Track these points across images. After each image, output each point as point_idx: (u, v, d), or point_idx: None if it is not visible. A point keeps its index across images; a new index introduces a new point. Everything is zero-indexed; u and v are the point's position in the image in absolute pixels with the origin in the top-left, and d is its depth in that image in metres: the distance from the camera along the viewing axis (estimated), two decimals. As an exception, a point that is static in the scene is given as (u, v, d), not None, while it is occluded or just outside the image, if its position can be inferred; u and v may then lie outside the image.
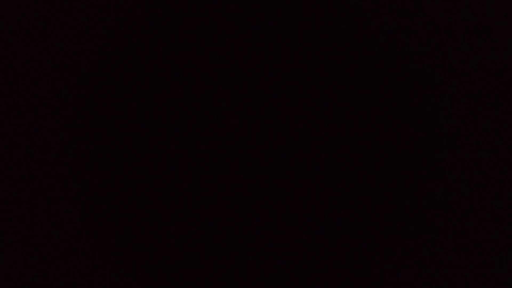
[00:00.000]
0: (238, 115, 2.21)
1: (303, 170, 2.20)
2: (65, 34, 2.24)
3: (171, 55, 2.23)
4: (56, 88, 2.23)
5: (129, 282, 2.18)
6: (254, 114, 2.21)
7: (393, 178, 2.19)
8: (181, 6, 2.24)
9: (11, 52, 2.23)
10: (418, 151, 2.20)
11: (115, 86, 2.23)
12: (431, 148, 2.20)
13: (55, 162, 2.21)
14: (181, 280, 2.18)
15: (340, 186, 2.19)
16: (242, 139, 2.20)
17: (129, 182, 2.20)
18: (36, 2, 2.24)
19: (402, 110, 2.21)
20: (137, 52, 2.23)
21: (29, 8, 2.24)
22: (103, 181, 2.20)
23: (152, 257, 2.18)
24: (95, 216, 2.19)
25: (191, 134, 2.21)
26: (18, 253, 2.19)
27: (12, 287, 2.17)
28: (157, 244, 2.18)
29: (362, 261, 2.18)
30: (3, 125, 2.21)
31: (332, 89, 2.21)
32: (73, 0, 2.24)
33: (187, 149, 2.21)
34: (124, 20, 2.24)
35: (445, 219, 2.19)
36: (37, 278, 2.19)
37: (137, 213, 2.19)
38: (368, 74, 2.21)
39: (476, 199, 2.20)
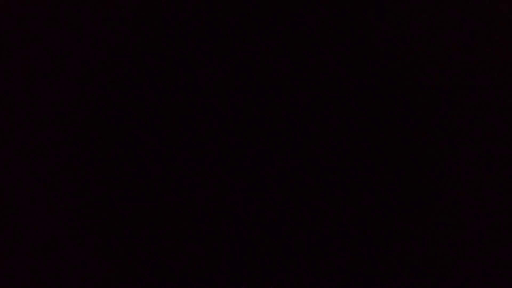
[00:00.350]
0: (237, 115, 2.21)
1: (302, 171, 2.20)
2: (64, 34, 2.24)
3: (170, 56, 2.23)
4: (56, 88, 2.22)
5: (128, 282, 2.18)
6: (253, 114, 2.21)
7: (393, 178, 2.19)
8: (180, 6, 2.24)
9: (11, 52, 2.23)
10: (418, 151, 2.21)
11: (114, 86, 2.22)
12: (430, 148, 2.20)
13: (55, 162, 2.21)
14: (181, 280, 2.18)
15: (339, 186, 2.19)
16: (240, 139, 2.20)
17: (129, 182, 2.20)
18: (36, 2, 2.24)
19: (401, 110, 2.21)
20: (136, 52, 2.23)
21: (29, 7, 2.24)
22: (103, 181, 2.20)
23: (152, 257, 2.18)
24: (95, 217, 2.19)
25: (190, 134, 2.21)
26: (18, 253, 2.19)
27: (12, 287, 2.17)
28: (157, 245, 2.18)
29: (361, 261, 2.18)
30: (3, 125, 2.21)
31: (332, 90, 2.21)
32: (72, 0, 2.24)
33: (187, 149, 2.20)
34: (124, 20, 2.24)
35: (445, 219, 2.19)
36: (37, 277, 2.19)
37: (137, 214, 2.19)
38: (367, 75, 2.21)
39: (476, 199, 2.20)
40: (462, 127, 2.21)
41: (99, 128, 2.21)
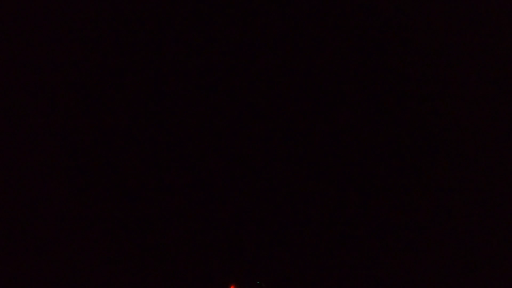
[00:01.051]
0: (236, 115, 2.21)
1: (302, 171, 2.20)
2: (63, 34, 2.24)
3: (169, 56, 2.23)
4: (55, 89, 2.23)
5: (128, 282, 2.18)
6: (253, 114, 2.21)
7: (392, 179, 2.19)
8: (180, 6, 2.24)
9: (11, 52, 2.23)
10: (418, 151, 2.20)
11: (113, 87, 2.22)
12: (430, 149, 2.20)
13: (55, 163, 2.21)
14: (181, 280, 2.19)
15: (338, 186, 2.19)
16: (240, 140, 2.20)
17: (128, 182, 2.20)
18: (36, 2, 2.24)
19: (400, 111, 2.21)
20: (135, 52, 2.23)
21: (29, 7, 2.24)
22: (103, 182, 2.20)
23: (152, 257, 2.18)
24: (95, 217, 2.19)
25: (190, 134, 2.21)
26: (19, 253, 2.19)
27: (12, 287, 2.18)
28: (157, 245, 2.18)
29: (360, 261, 2.18)
30: (3, 125, 2.21)
31: (331, 91, 2.21)
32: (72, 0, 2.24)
33: (186, 149, 2.20)
34: (123, 20, 2.24)
35: (444, 220, 2.19)
36: (37, 277, 2.19)
37: (137, 214, 2.19)
38: (367, 74, 2.21)
39: (475, 198, 2.20)
40: (462, 127, 2.21)
41: (99, 128, 2.21)
